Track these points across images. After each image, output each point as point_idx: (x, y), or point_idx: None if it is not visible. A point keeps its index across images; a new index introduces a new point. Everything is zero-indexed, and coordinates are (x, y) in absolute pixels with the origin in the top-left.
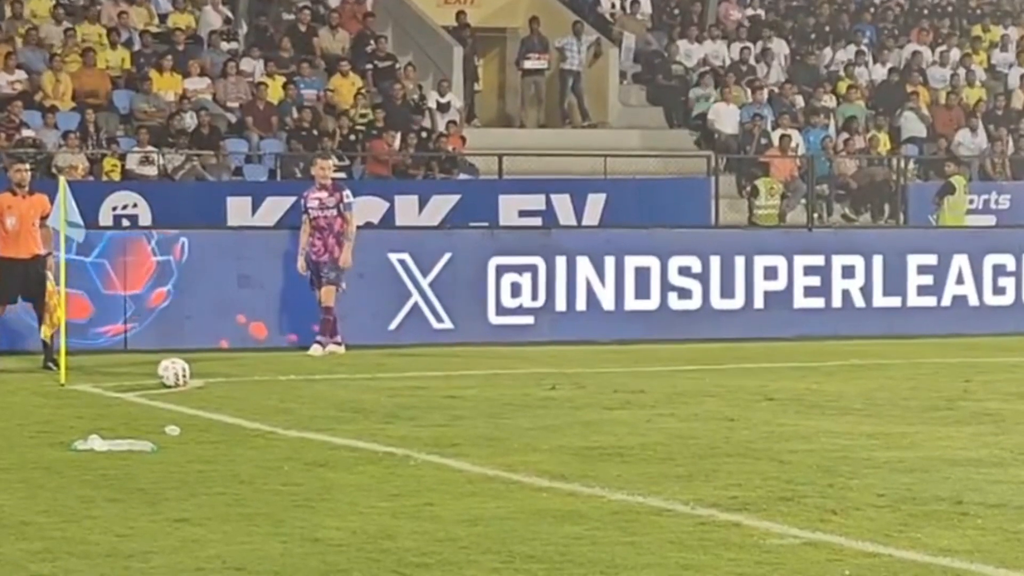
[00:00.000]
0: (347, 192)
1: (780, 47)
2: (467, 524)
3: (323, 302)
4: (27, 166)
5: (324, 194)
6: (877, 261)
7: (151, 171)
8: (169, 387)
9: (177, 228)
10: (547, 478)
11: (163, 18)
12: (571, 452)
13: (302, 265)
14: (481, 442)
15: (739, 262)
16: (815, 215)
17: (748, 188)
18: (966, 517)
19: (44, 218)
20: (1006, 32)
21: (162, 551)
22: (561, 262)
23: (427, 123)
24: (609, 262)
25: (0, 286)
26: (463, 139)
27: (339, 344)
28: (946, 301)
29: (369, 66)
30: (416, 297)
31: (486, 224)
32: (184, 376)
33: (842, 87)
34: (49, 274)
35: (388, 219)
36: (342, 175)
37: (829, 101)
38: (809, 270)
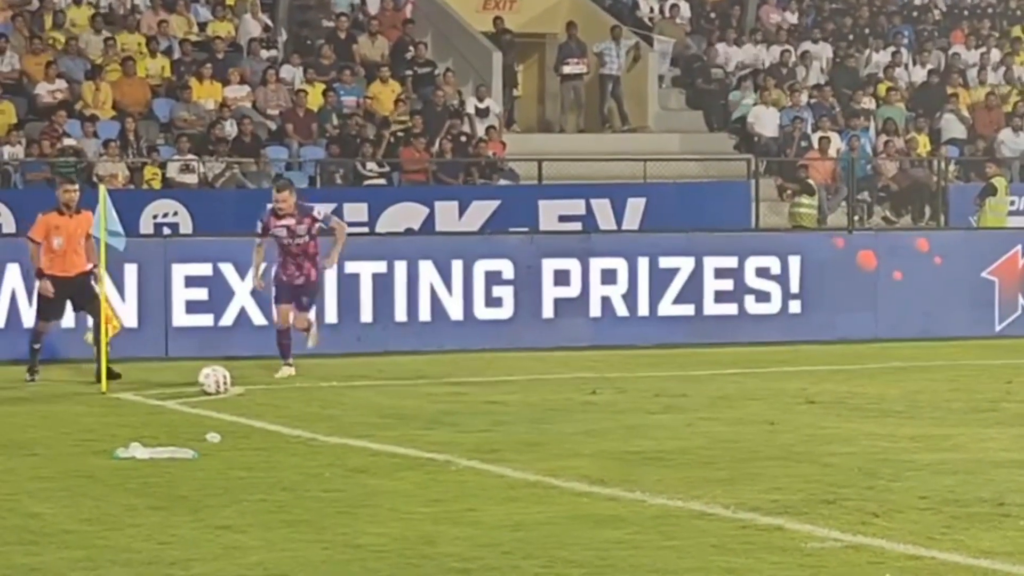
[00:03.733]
0: (317, 210)
1: (820, 50)
2: (508, 529)
3: (297, 326)
4: (76, 187)
5: (291, 221)
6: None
7: (191, 179)
8: (210, 394)
9: None
10: (588, 483)
11: (202, 26)
12: (612, 457)
13: (259, 283)
14: (522, 447)
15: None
16: (856, 217)
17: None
18: (1008, 519)
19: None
20: None
21: (204, 558)
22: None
23: (467, 128)
24: (643, 264)
25: (47, 303)
26: (503, 144)
27: (290, 366)
28: None
29: (408, 72)
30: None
31: (526, 229)
32: (225, 383)
33: (882, 89)
34: (98, 286)
35: (428, 225)
36: (382, 182)
37: (869, 103)
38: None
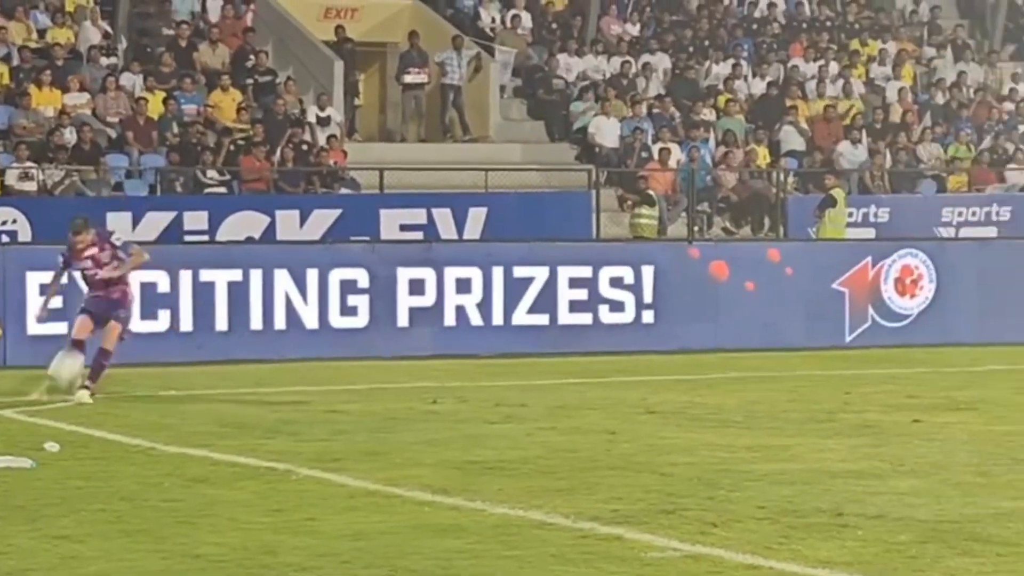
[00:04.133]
0: (115, 236)
1: (660, 61)
2: (349, 539)
3: (104, 344)
4: None
5: (94, 251)
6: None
7: (31, 187)
8: (59, 388)
9: None
10: (429, 492)
11: (42, 33)
12: (453, 466)
13: (44, 313)
14: (363, 457)
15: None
16: (696, 228)
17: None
18: (846, 529)
19: None
20: (884, 46)
21: (41, 568)
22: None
23: (308, 137)
24: (497, 274)
25: None
26: (344, 153)
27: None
28: None
29: (249, 81)
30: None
31: (367, 238)
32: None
33: (721, 101)
34: None
35: (269, 234)
36: (223, 190)
37: (709, 115)
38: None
